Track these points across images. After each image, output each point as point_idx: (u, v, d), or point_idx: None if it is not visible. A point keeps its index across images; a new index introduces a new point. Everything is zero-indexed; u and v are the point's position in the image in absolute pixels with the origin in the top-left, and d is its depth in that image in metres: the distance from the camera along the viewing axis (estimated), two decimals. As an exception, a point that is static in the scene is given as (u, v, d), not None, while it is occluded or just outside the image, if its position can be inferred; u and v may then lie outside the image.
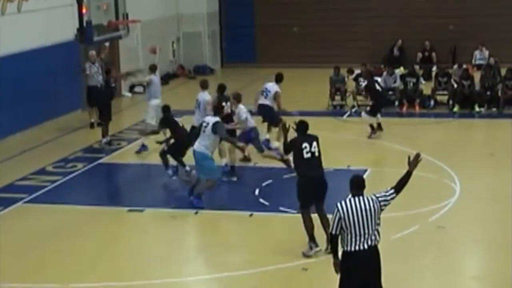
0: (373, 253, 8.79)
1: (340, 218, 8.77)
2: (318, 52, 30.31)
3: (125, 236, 13.70)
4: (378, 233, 8.84)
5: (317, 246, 11.90)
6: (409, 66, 25.13)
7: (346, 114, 22.67)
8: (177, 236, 13.61)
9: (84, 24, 18.75)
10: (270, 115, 17.98)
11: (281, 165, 15.97)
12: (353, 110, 22.75)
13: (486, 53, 27.63)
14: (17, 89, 20.43)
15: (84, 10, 18.73)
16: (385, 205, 8.90)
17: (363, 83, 22.09)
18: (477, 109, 22.45)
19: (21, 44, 20.56)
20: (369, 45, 30.04)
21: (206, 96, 16.73)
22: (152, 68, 19.34)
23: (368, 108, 19.93)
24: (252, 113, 16.73)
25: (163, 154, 16.06)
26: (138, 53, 27.41)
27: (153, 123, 17.99)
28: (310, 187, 11.85)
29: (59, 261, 12.31)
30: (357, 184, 8.97)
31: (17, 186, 16.25)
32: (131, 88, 26.89)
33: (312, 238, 11.91)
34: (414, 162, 9.06)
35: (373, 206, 8.80)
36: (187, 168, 15.96)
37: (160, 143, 16.54)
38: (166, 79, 27.50)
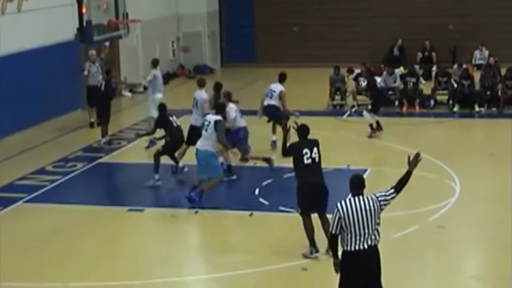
0: (373, 252, 8.79)
1: (340, 218, 8.77)
2: (318, 52, 30.32)
3: (125, 236, 13.70)
4: (378, 232, 8.84)
5: (317, 251, 11.87)
6: (409, 66, 25.14)
7: (346, 114, 22.67)
8: (177, 235, 13.62)
9: (84, 23, 18.75)
10: (277, 115, 17.98)
11: (281, 164, 15.95)
12: (353, 109, 22.75)
13: (486, 53, 27.63)
14: (17, 89, 20.42)
15: (84, 10, 18.73)
16: (385, 204, 8.90)
17: (363, 82, 22.12)
18: (477, 109, 22.45)
19: (21, 44, 20.55)
20: (369, 45, 30.04)
21: (203, 94, 16.79)
22: (155, 63, 19.45)
23: (369, 107, 19.94)
24: (241, 114, 16.61)
25: (157, 156, 15.88)
26: (138, 53, 27.47)
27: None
28: (310, 194, 11.79)
29: (59, 260, 12.31)
30: (357, 184, 8.96)
31: (16, 186, 16.25)
32: (131, 89, 26.88)
33: (312, 242, 11.88)
34: (414, 162, 9.05)
35: (373, 205, 8.80)
36: (181, 165, 16.00)
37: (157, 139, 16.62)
38: (166, 78, 27.45)
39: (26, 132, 20.60)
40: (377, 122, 19.77)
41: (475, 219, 13.94)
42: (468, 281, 11.42)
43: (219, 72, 31.14)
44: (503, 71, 23.19)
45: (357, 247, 8.73)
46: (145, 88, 21.96)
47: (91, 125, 21.33)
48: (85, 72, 20.98)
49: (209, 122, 14.15)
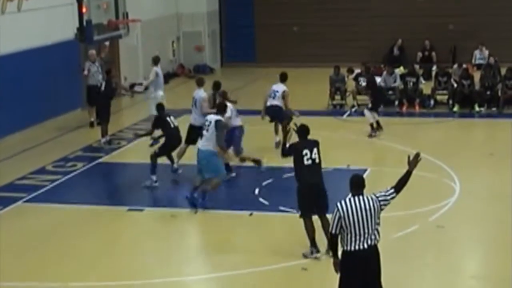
0: (373, 252, 8.79)
1: (340, 218, 8.77)
2: (318, 52, 30.32)
3: (125, 236, 13.70)
4: (378, 232, 8.84)
5: (318, 251, 11.87)
6: (409, 65, 25.15)
7: (346, 114, 22.68)
8: (177, 235, 13.61)
9: (84, 23, 18.77)
10: (279, 115, 17.97)
11: (281, 164, 15.94)
12: (353, 109, 22.76)
13: (486, 52, 27.63)
14: (17, 88, 20.42)
15: (84, 9, 18.76)
16: (385, 204, 8.90)
17: (363, 82, 22.12)
18: (477, 108, 22.45)
19: (21, 43, 20.55)
20: (369, 45, 30.02)
21: (202, 93, 16.82)
22: (156, 60, 19.51)
23: (370, 105, 19.97)
24: (237, 113, 16.57)
25: (154, 157, 15.82)
26: (138, 52, 27.47)
27: None
28: (310, 194, 11.80)
29: (59, 260, 12.31)
30: (357, 184, 8.97)
31: (16, 185, 16.25)
32: (131, 87, 26.89)
33: (313, 243, 11.88)
34: (413, 162, 9.05)
35: (373, 205, 8.80)
36: (176, 166, 16.05)
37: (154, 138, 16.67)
38: (166, 78, 27.43)
39: (26, 131, 20.60)
40: (377, 122, 19.81)
41: (475, 219, 13.94)
42: (468, 281, 11.42)
43: (219, 72, 31.15)
44: (503, 71, 23.19)
45: (357, 247, 8.74)
46: (146, 88, 22.03)
47: (91, 124, 21.33)
48: (85, 72, 21.00)
49: (210, 122, 14.15)
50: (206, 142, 14.09)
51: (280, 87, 18.12)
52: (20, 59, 20.51)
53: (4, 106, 19.82)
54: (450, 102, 22.87)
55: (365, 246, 8.73)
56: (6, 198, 15.29)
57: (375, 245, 8.81)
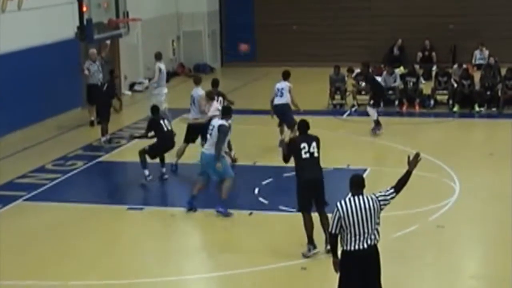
0: (372, 252, 8.79)
1: (339, 217, 8.77)
2: (318, 51, 30.33)
3: (124, 235, 13.70)
4: (378, 232, 8.84)
5: (315, 248, 11.88)
6: (409, 65, 25.16)
7: (346, 113, 22.68)
8: (177, 234, 13.61)
9: (85, 22, 18.75)
10: (287, 116, 17.94)
11: (281, 164, 15.91)
12: (353, 109, 22.76)
13: (486, 52, 27.65)
14: (17, 87, 20.41)
15: (84, 8, 18.74)
16: (384, 204, 8.90)
17: (363, 82, 22.15)
18: (477, 108, 22.46)
19: (21, 42, 20.54)
20: (369, 44, 30.04)
21: (199, 92, 16.89)
22: (158, 56, 19.59)
23: (371, 102, 20.01)
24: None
25: (142, 153, 15.84)
26: (138, 51, 27.47)
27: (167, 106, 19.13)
28: (308, 189, 11.81)
29: (59, 259, 12.30)
30: (357, 183, 8.97)
31: (16, 184, 16.25)
32: (131, 87, 26.91)
33: (311, 240, 11.89)
34: (413, 162, 9.05)
35: (373, 205, 8.80)
36: (164, 170, 16.01)
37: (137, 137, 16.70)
38: (166, 77, 27.45)
39: (26, 130, 20.59)
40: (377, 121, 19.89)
41: (474, 219, 13.94)
42: (467, 281, 11.42)
43: (219, 71, 31.15)
44: (503, 71, 23.20)
45: (356, 247, 8.74)
46: (147, 88, 22.09)
47: (91, 123, 21.33)
48: (86, 72, 20.99)
49: (213, 126, 14.02)
50: (210, 146, 13.95)
51: (283, 84, 18.15)
52: (20, 58, 20.50)
53: (4, 104, 19.81)
54: (450, 102, 22.87)
55: (365, 246, 8.73)
56: (6, 197, 15.29)
57: (375, 245, 8.81)
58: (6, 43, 19.70)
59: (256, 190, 15.31)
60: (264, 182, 15.79)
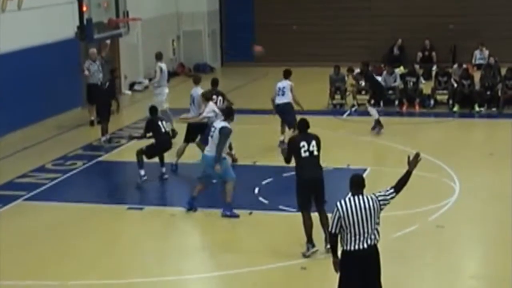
0: (372, 252, 8.78)
1: (339, 217, 8.76)
2: (318, 51, 30.33)
3: (124, 234, 13.69)
4: (378, 232, 8.84)
5: (313, 246, 11.88)
6: (409, 65, 25.16)
7: (346, 113, 22.67)
8: (177, 234, 13.61)
9: (85, 21, 18.75)
10: (289, 116, 17.92)
11: (281, 163, 15.91)
12: (353, 109, 22.76)
13: (486, 52, 27.65)
14: (17, 87, 20.41)
15: (84, 8, 18.75)
16: (384, 204, 8.90)
17: (363, 82, 22.15)
18: (477, 108, 22.45)
19: (21, 42, 20.54)
20: (369, 44, 30.03)
21: (199, 91, 16.91)
22: (159, 56, 19.62)
23: (372, 101, 20.03)
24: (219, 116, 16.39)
25: (140, 154, 15.81)
26: (138, 51, 27.47)
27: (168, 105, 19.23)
28: (308, 188, 11.81)
29: (58, 259, 12.30)
30: (357, 183, 8.96)
31: (16, 184, 16.25)
32: (131, 86, 26.91)
33: (309, 239, 11.90)
34: (413, 162, 9.05)
35: (373, 205, 8.79)
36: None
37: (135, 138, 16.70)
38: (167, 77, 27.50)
39: (26, 130, 20.59)
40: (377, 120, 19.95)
41: (474, 219, 13.93)
42: (467, 281, 11.41)
43: (219, 71, 31.15)
44: (503, 71, 23.20)
45: (356, 247, 8.73)
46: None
47: (91, 123, 21.33)
48: (86, 72, 20.99)
49: (215, 128, 13.94)
50: (211, 148, 13.91)
51: (285, 83, 18.16)
52: (20, 58, 20.50)
53: (4, 104, 19.81)
54: (450, 102, 22.87)
55: (365, 246, 8.73)
56: (6, 197, 15.29)
57: (375, 245, 8.80)
58: (6, 43, 19.71)
59: (256, 190, 15.31)
60: (264, 182, 15.79)
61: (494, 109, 22.45)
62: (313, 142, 11.83)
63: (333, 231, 8.86)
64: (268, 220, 13.88)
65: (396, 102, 23.03)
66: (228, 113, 14.25)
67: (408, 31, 29.61)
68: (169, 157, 16.62)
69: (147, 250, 12.72)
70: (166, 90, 19.81)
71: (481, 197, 14.92)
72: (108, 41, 21.77)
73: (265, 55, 19.98)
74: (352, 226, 8.72)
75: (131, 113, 23.12)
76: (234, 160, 16.77)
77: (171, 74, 29.27)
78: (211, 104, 16.07)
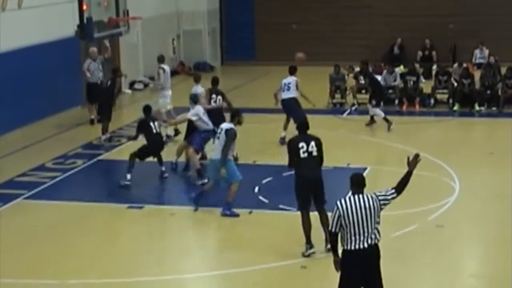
0: (373, 252, 8.78)
1: (339, 216, 8.76)
2: (318, 50, 30.23)
3: (124, 233, 13.69)
4: (378, 231, 8.83)
5: (312, 247, 11.87)
6: (409, 64, 25.16)
7: (346, 112, 22.68)
8: (176, 233, 13.61)
9: (85, 20, 18.75)
10: (295, 112, 17.84)
11: (281, 162, 15.92)
12: (353, 108, 22.77)
13: (486, 52, 27.65)
14: (17, 85, 20.41)
15: (84, 7, 18.75)
16: (385, 204, 8.89)
17: (363, 81, 22.17)
18: (477, 108, 22.46)
19: (21, 40, 20.53)
20: (369, 43, 30.01)
21: (199, 89, 16.93)
22: (161, 59, 19.67)
23: (373, 102, 20.06)
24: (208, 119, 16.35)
25: (133, 156, 15.79)
26: (138, 50, 27.46)
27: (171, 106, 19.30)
28: (307, 188, 11.81)
29: (58, 257, 12.31)
30: (357, 182, 8.96)
31: (16, 182, 16.25)
32: (131, 85, 26.91)
33: (308, 240, 11.89)
34: (413, 162, 9.04)
35: (373, 204, 8.79)
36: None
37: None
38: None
39: (26, 128, 20.59)
40: (371, 117, 20.06)
41: (474, 218, 13.94)
42: (467, 280, 11.41)
43: (219, 70, 31.15)
44: (503, 70, 23.20)
45: (357, 246, 8.73)
46: (146, 85, 22.06)
47: (91, 122, 21.34)
48: (88, 74, 20.98)
49: (221, 129, 13.82)
50: (218, 151, 13.82)
51: (290, 79, 18.21)
52: (20, 56, 20.50)
53: (4, 103, 19.81)
54: (450, 101, 22.88)
55: (365, 245, 8.72)
56: (6, 195, 15.29)
57: (376, 245, 8.80)
58: (6, 42, 19.70)
59: (256, 189, 15.31)
60: (264, 181, 15.79)
61: (494, 108, 22.46)
62: (312, 143, 11.81)
63: (333, 230, 8.86)
64: (268, 219, 13.88)
65: (396, 101, 23.04)
66: (233, 115, 14.14)
67: (408, 30, 29.60)
68: (169, 156, 16.61)
69: (147, 249, 12.72)
70: (169, 93, 19.77)
71: (481, 196, 14.92)
72: (108, 44, 21.79)
73: (306, 61, 20.16)
74: (352, 225, 8.71)
75: (132, 112, 23.08)
76: (235, 159, 16.74)
77: (171, 73, 29.28)
78: (198, 107, 15.98)
